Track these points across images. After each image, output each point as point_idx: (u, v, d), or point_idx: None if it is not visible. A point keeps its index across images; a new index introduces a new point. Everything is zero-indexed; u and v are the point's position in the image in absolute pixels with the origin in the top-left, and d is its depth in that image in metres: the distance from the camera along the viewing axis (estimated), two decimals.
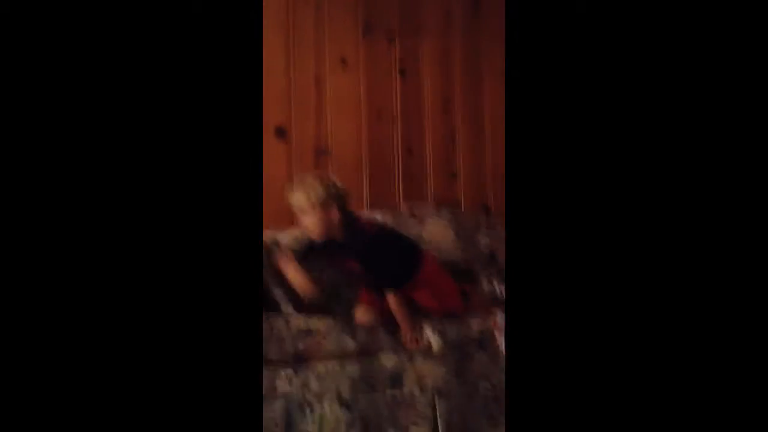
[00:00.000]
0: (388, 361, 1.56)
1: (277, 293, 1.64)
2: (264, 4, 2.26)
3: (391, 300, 1.55)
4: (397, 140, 2.41)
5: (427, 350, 1.61)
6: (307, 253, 1.60)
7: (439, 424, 1.56)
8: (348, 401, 1.48)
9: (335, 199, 1.48)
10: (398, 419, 1.53)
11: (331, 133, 2.29)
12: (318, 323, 1.53)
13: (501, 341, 1.62)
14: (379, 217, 2.02)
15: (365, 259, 1.55)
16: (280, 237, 1.80)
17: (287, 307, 1.61)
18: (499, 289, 1.91)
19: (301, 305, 1.63)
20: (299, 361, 1.47)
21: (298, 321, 1.54)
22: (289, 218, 1.69)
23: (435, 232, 2.14)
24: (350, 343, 1.53)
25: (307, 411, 1.44)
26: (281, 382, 1.43)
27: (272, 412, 1.41)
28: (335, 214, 1.48)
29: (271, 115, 2.19)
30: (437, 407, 1.57)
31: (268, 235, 1.87)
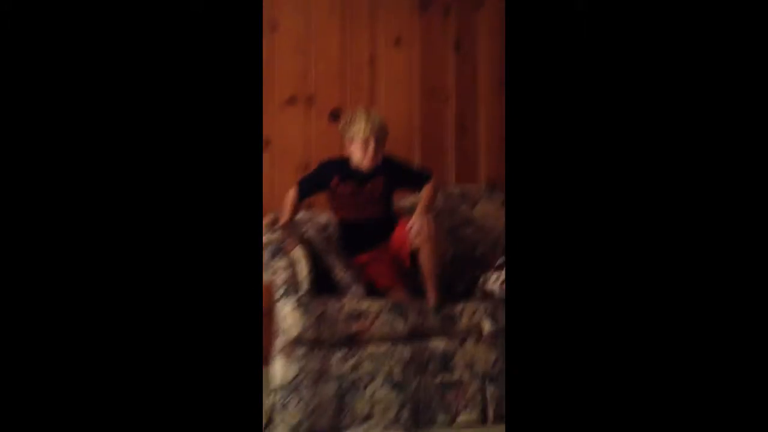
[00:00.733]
0: (438, 344, 1.59)
1: (344, 277, 1.68)
2: None
3: (427, 189, 1.76)
4: (450, 118, 2.37)
5: (478, 334, 1.62)
6: (349, 172, 1.76)
7: (488, 409, 1.58)
8: (399, 383, 1.52)
9: (386, 133, 1.72)
10: (448, 403, 1.56)
11: (384, 112, 2.28)
12: (371, 305, 1.57)
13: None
14: None
15: (392, 173, 1.77)
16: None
17: (356, 290, 1.66)
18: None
19: (370, 289, 1.68)
20: (352, 342, 1.52)
21: (351, 303, 1.58)
22: None
23: (486, 213, 2.12)
24: (401, 326, 1.56)
25: (359, 391, 1.49)
26: (334, 364, 1.49)
27: (325, 392, 1.47)
28: (382, 150, 1.72)
29: (326, 99, 2.21)
30: (487, 392, 1.59)
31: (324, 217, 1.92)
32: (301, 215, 1.89)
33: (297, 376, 1.47)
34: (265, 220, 1.72)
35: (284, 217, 1.74)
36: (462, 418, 1.57)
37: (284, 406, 1.46)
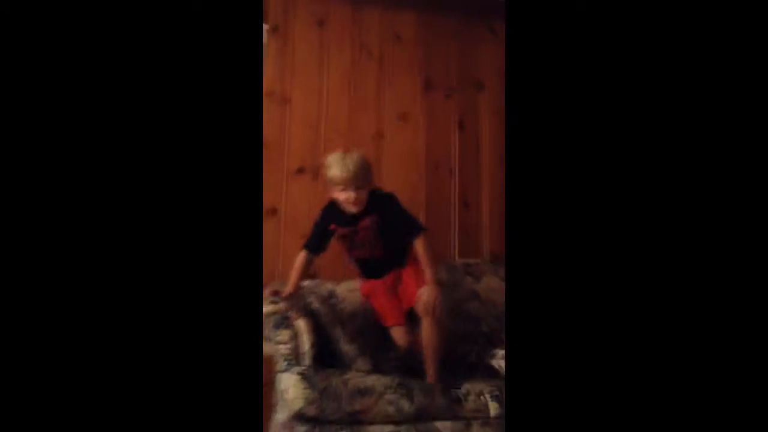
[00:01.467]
0: (444, 428, 1.52)
1: (349, 350, 1.64)
2: (328, 63, 2.38)
3: (419, 244, 1.64)
4: (454, 193, 2.41)
5: (485, 417, 1.55)
6: (344, 218, 1.68)
7: None
8: None
9: (367, 177, 1.63)
10: None
11: (389, 185, 2.32)
12: (376, 382, 1.52)
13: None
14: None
15: (385, 213, 1.66)
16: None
17: (362, 363, 1.61)
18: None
19: (379, 365, 1.63)
20: (354, 422, 1.45)
21: (356, 378, 1.52)
22: None
23: (491, 288, 2.10)
24: (407, 407, 1.50)
25: None
26: None
27: None
28: (366, 194, 1.63)
29: None
30: None
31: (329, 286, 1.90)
32: (306, 284, 1.87)
33: None
34: (268, 291, 1.69)
35: (289, 286, 1.70)
36: None
37: None
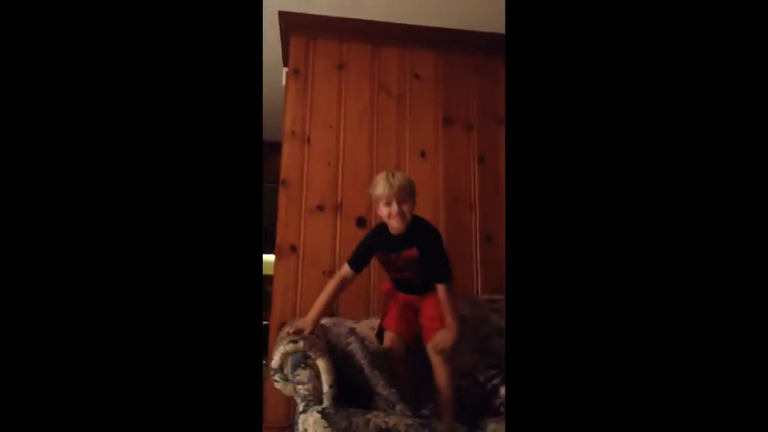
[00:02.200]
0: None
1: (389, 394, 1.60)
2: (347, 102, 2.43)
3: (442, 290, 1.63)
4: (475, 228, 2.38)
5: None
6: (387, 241, 1.70)
7: None
8: None
9: (411, 193, 1.66)
10: None
11: None
12: (398, 422, 1.46)
13: None
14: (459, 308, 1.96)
15: (425, 249, 1.66)
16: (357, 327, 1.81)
17: (401, 408, 1.56)
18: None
19: (415, 408, 1.59)
20: None
21: (378, 418, 1.47)
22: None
23: None
24: None
25: None
26: None
27: None
28: (410, 210, 1.65)
29: (353, 207, 2.27)
30: None
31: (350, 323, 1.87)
32: (325, 322, 1.84)
33: None
34: (291, 329, 1.66)
35: (317, 307, 1.68)
36: None
37: None
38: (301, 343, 1.63)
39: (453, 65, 2.55)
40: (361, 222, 2.25)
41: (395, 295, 1.81)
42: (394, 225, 1.65)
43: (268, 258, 2.61)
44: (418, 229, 1.68)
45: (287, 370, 1.57)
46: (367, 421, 1.45)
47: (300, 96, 2.40)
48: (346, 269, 1.73)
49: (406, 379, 1.71)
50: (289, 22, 2.44)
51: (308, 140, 2.35)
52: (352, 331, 1.84)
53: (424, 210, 2.34)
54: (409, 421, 1.47)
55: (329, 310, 1.77)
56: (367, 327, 1.86)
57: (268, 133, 3.57)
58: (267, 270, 2.54)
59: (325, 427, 1.39)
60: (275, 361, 1.58)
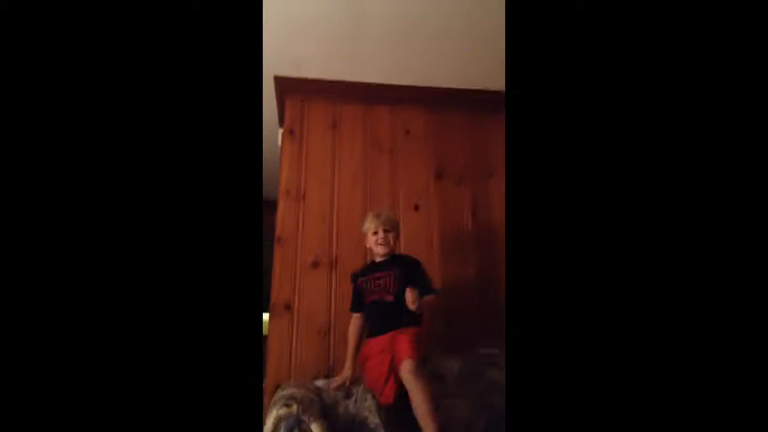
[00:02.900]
0: None
1: None
2: (340, 159, 2.49)
3: (429, 300, 1.77)
4: (472, 281, 2.38)
5: None
6: (370, 268, 1.97)
7: None
8: None
9: (395, 226, 1.98)
10: None
11: None
12: None
13: None
14: (456, 362, 1.94)
15: (406, 267, 1.88)
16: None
17: None
18: None
19: None
20: None
21: None
22: None
23: None
24: None
25: None
26: None
27: None
28: (394, 238, 1.95)
29: (348, 263, 2.28)
30: None
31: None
32: (321, 384, 1.81)
33: None
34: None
35: (349, 360, 1.85)
36: None
37: None
38: (294, 407, 1.61)
39: (443, 122, 2.62)
40: (354, 277, 2.25)
41: (370, 353, 1.79)
42: (379, 251, 1.92)
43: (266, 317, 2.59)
44: (400, 256, 1.98)
45: None
46: None
47: (295, 155, 2.46)
48: (354, 318, 1.92)
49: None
50: (285, 85, 2.54)
51: (303, 198, 2.39)
52: (350, 393, 1.81)
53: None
54: None
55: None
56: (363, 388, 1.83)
57: (264, 192, 3.64)
58: (266, 330, 2.52)
59: None
60: (268, 427, 1.55)
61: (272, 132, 2.89)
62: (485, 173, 2.58)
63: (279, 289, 2.20)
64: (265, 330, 2.22)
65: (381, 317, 1.82)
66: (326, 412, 1.66)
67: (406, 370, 1.57)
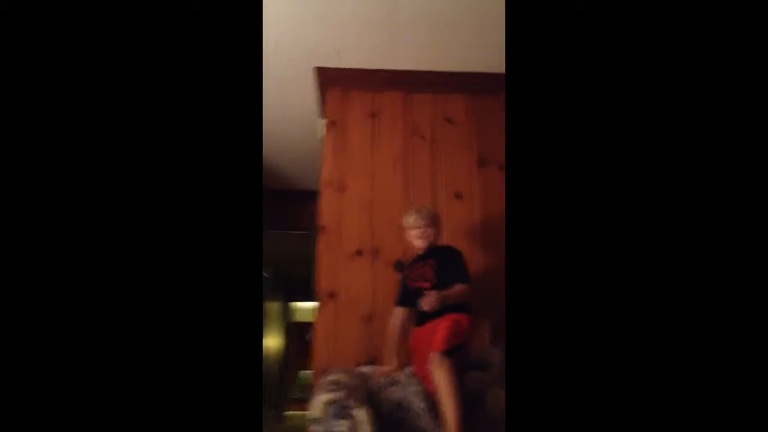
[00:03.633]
0: None
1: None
2: (380, 149, 2.49)
3: (459, 288, 1.78)
4: None
5: None
6: (412, 261, 2.01)
7: None
8: None
9: (435, 221, 2.00)
10: None
11: None
12: None
13: None
14: (498, 352, 1.92)
15: (444, 257, 1.92)
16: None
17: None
18: None
19: None
20: None
21: None
22: None
23: None
24: None
25: None
26: None
27: None
28: (434, 233, 1.98)
29: (390, 252, 2.29)
30: None
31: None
32: (365, 370, 1.83)
33: None
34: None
35: (391, 355, 1.87)
36: None
37: None
38: (341, 392, 1.64)
39: (485, 107, 2.58)
40: (398, 266, 2.26)
41: (418, 344, 1.82)
42: (419, 244, 1.96)
43: (307, 305, 2.61)
44: (440, 247, 1.99)
45: (327, 420, 1.57)
46: None
47: (337, 145, 2.48)
48: (395, 311, 1.95)
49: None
50: (325, 76, 2.55)
51: (345, 188, 2.41)
52: (394, 381, 1.82)
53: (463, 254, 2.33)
54: None
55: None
56: (406, 374, 1.84)
57: (305, 183, 3.69)
58: (308, 317, 2.58)
59: None
60: (315, 411, 1.58)
61: (311, 123, 2.92)
62: None
63: (323, 277, 2.24)
64: (312, 317, 2.26)
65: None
66: (371, 398, 1.68)
67: (433, 362, 1.58)
